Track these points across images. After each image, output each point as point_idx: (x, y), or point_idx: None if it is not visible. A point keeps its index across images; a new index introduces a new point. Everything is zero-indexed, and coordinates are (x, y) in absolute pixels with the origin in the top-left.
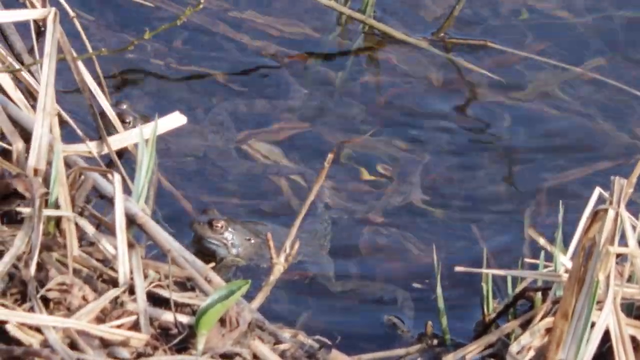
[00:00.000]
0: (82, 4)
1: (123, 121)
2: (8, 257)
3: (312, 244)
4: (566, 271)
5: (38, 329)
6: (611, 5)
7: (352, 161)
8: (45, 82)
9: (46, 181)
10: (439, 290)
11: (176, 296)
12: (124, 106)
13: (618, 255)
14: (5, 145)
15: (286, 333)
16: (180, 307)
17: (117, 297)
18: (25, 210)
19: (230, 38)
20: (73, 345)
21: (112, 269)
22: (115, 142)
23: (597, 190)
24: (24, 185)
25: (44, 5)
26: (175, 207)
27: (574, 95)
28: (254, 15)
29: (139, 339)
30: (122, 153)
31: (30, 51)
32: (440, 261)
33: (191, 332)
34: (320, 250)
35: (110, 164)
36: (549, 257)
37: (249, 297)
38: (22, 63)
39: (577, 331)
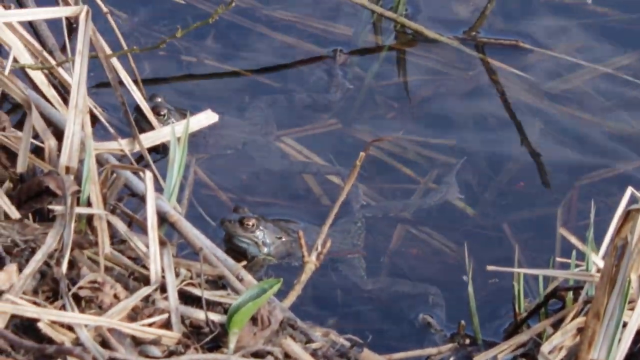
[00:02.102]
0: (115, 2)
1: (158, 114)
2: (40, 255)
3: (344, 243)
4: (598, 271)
5: (70, 327)
6: None
7: (384, 160)
8: (77, 80)
9: (78, 179)
10: (470, 289)
11: (208, 294)
12: (159, 99)
13: None
14: (37, 142)
15: (318, 332)
16: (211, 305)
17: (148, 296)
18: (57, 208)
19: (261, 36)
20: (104, 344)
21: (144, 267)
22: (147, 140)
23: (629, 190)
24: (56, 183)
25: (76, 3)
26: (212, 202)
27: (606, 95)
28: (286, 14)
29: (171, 337)
30: (157, 149)
31: (63, 49)
32: (472, 260)
33: (223, 330)
34: (352, 249)
35: (142, 161)
36: (581, 257)
37: (280, 295)
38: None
39: (609, 331)
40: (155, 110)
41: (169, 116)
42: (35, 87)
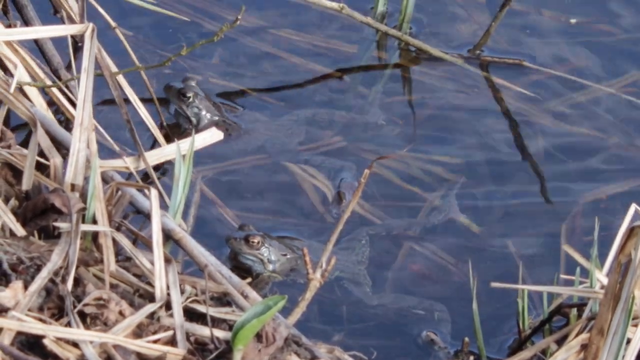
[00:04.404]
0: (121, 20)
1: (184, 95)
2: (45, 272)
3: (349, 260)
4: (602, 287)
5: (75, 344)
6: None
7: (389, 178)
8: (82, 97)
9: (83, 196)
10: (475, 306)
11: (213, 311)
12: (192, 83)
13: None
14: (43, 160)
15: (322, 349)
16: (216, 322)
17: (153, 312)
18: (62, 225)
19: (266, 54)
20: None
21: (149, 284)
22: (153, 157)
23: (633, 207)
24: (61, 201)
25: (81, 21)
26: (216, 220)
27: (609, 112)
28: (291, 32)
29: (176, 354)
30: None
31: (68, 67)
32: (477, 277)
33: (228, 347)
34: (357, 266)
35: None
36: (585, 274)
37: (285, 312)
38: (59, 79)
39: (613, 347)
40: (182, 91)
41: (194, 100)
42: (40, 105)
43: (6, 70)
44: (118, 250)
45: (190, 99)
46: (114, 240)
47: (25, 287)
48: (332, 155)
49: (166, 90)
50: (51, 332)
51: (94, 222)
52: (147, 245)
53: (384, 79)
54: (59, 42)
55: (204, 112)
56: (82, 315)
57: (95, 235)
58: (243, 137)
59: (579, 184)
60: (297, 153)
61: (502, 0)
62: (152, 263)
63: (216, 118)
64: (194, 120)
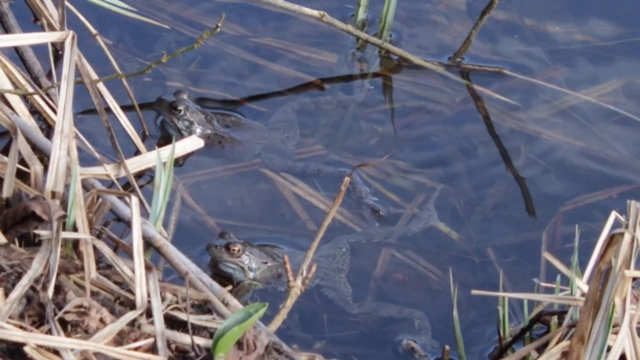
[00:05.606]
0: (101, 28)
1: (175, 108)
2: (26, 280)
3: (330, 268)
4: (582, 295)
5: (56, 351)
6: (631, 30)
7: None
8: (62, 105)
9: (64, 204)
10: (455, 313)
11: (193, 319)
12: (184, 96)
13: (634, 279)
14: (23, 168)
15: (303, 356)
16: (197, 329)
17: (134, 320)
18: (42, 232)
19: (247, 62)
20: None
21: (130, 291)
22: (133, 165)
23: (613, 214)
24: (42, 208)
25: (62, 29)
26: (197, 228)
27: (590, 120)
28: (271, 40)
29: None
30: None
31: (49, 74)
32: (457, 285)
33: (208, 354)
34: (338, 274)
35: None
36: (565, 281)
37: (266, 320)
38: (40, 86)
39: (594, 355)
40: (173, 104)
41: (185, 113)
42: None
43: None
44: (99, 258)
45: (182, 112)
46: (95, 248)
47: (6, 294)
48: (314, 162)
49: (157, 104)
50: (32, 340)
51: (75, 229)
52: (127, 253)
53: (364, 86)
54: (39, 49)
55: (195, 125)
56: (63, 323)
57: (75, 243)
58: (237, 148)
59: (559, 191)
60: (294, 163)
61: (483, 8)
62: (132, 270)
63: (208, 131)
64: (185, 134)
